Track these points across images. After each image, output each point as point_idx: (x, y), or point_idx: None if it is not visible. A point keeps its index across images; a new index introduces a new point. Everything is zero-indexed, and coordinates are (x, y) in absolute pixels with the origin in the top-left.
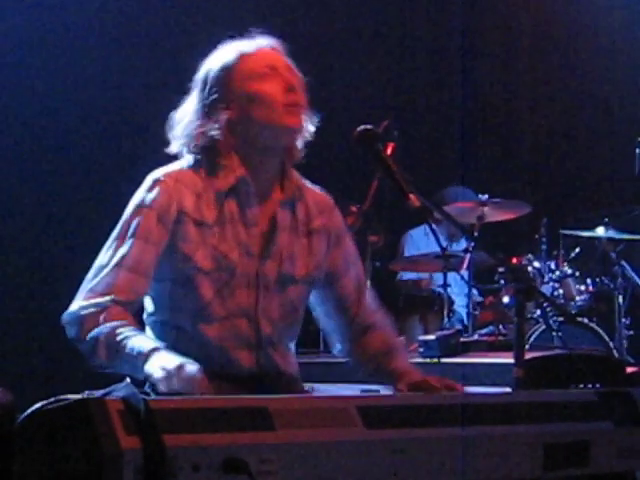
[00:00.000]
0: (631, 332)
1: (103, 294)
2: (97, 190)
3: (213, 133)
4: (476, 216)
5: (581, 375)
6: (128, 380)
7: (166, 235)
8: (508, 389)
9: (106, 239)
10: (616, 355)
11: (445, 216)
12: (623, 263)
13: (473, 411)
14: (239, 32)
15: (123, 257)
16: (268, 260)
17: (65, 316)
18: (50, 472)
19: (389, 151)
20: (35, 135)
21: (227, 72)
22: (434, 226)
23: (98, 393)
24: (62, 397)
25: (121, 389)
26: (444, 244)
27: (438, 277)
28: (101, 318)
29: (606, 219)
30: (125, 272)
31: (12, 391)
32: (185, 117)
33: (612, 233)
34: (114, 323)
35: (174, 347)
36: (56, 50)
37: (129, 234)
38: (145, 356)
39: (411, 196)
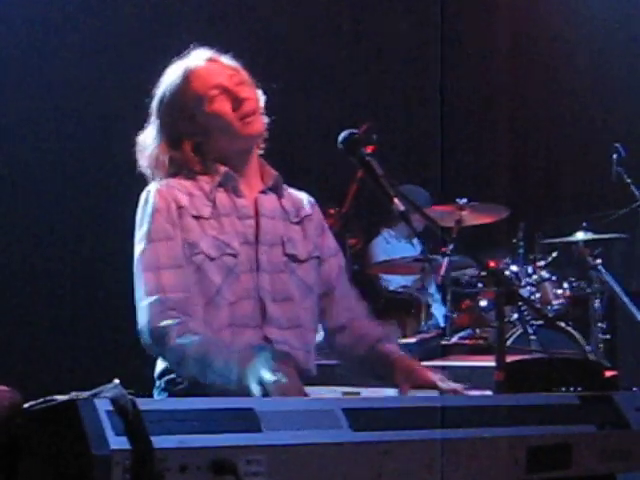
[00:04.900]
0: (607, 336)
1: (162, 302)
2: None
3: (180, 160)
4: (454, 219)
5: (562, 378)
6: (117, 381)
7: (177, 229)
8: (489, 392)
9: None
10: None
11: (427, 219)
12: (599, 267)
13: (457, 414)
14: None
15: (157, 259)
16: (264, 246)
17: (141, 332)
18: (38, 473)
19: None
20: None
21: (178, 100)
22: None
23: (86, 394)
24: (50, 398)
25: (109, 390)
26: (404, 243)
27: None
28: (177, 334)
29: (584, 223)
30: (167, 271)
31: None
32: (150, 145)
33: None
34: (194, 338)
35: None
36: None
37: (150, 239)
38: (236, 366)
39: (395, 200)
